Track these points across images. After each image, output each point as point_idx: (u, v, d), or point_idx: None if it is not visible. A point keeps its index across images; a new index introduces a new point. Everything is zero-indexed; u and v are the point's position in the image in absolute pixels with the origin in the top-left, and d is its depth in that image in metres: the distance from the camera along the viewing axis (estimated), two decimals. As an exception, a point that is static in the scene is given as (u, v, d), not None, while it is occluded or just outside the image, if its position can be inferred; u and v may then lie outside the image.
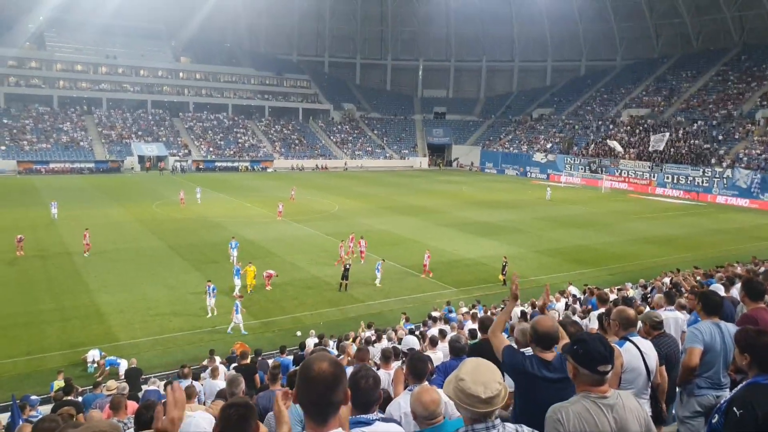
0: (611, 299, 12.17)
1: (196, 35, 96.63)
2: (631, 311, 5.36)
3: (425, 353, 8.28)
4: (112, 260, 28.52)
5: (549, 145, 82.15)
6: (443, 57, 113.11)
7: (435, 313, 18.66)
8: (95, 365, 16.75)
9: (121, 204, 45.28)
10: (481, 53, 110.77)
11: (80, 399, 11.22)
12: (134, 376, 13.90)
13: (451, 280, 26.97)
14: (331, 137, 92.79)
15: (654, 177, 65.81)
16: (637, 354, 4.83)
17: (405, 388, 5.00)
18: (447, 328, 14.56)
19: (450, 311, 19.86)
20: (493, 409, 2.70)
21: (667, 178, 64.57)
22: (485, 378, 2.71)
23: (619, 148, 70.28)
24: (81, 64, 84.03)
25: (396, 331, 16.34)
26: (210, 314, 21.46)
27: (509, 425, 2.82)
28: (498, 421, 2.77)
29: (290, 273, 27.07)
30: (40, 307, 21.67)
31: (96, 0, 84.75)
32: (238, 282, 23.67)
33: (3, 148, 67.56)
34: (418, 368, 4.87)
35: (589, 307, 15.12)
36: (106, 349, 17.82)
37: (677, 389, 5.41)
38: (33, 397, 11.62)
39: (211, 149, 79.94)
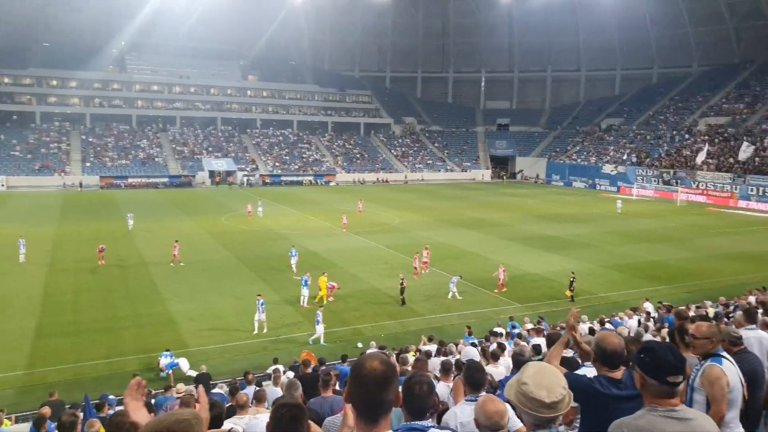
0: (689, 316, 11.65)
1: (262, 54, 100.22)
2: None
3: (486, 367, 8.20)
4: (183, 271, 29.78)
5: (622, 156, 79.46)
6: (506, 68, 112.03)
7: (498, 329, 18.39)
8: (165, 374, 17.46)
9: (192, 217, 47.24)
10: (545, 63, 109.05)
11: (152, 401, 11.81)
12: (203, 381, 14.47)
13: (515, 296, 26.53)
14: (392, 151, 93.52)
15: (736, 189, 62.19)
16: (735, 372, 4.45)
17: (462, 400, 4.95)
18: (509, 343, 14.38)
19: (514, 327, 19.50)
20: (556, 414, 2.62)
21: (752, 190, 60.73)
22: (548, 382, 2.64)
23: (702, 155, 66.53)
24: (157, 84, 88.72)
25: (457, 345, 16.26)
26: (257, 330, 21.27)
27: None
28: (562, 428, 2.68)
29: (351, 285, 27.42)
30: (118, 314, 22.90)
31: (171, 24, 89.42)
32: (305, 292, 24.22)
33: (88, 164, 71.97)
34: (474, 377, 4.81)
35: (665, 324, 14.51)
36: (178, 355, 18.62)
37: (764, 410, 5.08)
38: (110, 397, 12.36)
39: (277, 164, 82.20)
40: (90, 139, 77.66)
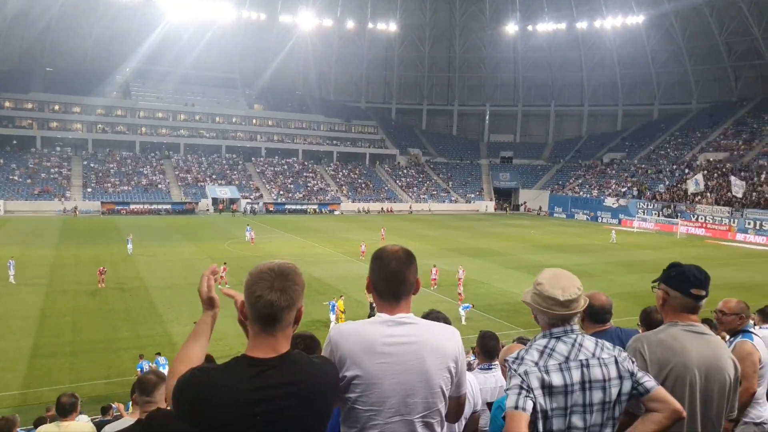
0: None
1: (268, 84, 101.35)
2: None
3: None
4: (184, 294, 29.37)
5: (622, 190, 79.71)
6: (510, 102, 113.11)
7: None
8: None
9: (194, 243, 47.02)
10: (549, 98, 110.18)
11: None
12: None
13: (519, 321, 26.11)
14: (397, 181, 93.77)
15: (734, 222, 62.46)
16: (765, 347, 4.49)
17: (477, 366, 4.93)
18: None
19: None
20: (571, 312, 2.61)
21: (749, 223, 61.09)
22: (564, 283, 2.64)
23: (700, 184, 66.43)
24: (161, 111, 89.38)
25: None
26: None
27: (589, 336, 2.68)
28: (577, 327, 2.65)
29: (355, 310, 26.99)
30: (118, 335, 22.51)
31: (177, 52, 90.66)
32: (333, 317, 23.98)
33: (89, 189, 72.02)
34: (488, 346, 4.82)
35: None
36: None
37: None
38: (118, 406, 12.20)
39: (281, 192, 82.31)
40: (92, 165, 77.87)
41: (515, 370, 2.56)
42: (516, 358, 2.61)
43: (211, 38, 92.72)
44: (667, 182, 76.62)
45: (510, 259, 43.18)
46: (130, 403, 6.97)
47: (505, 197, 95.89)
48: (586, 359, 2.56)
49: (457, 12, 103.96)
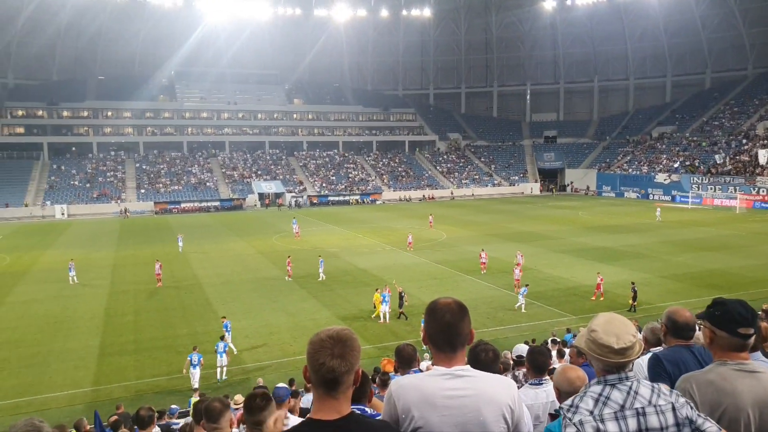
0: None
1: (306, 77, 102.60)
2: None
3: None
4: (236, 289, 30.43)
5: (674, 165, 77.17)
6: (551, 80, 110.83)
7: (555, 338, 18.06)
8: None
9: (244, 238, 48.29)
10: (592, 73, 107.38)
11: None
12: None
13: (569, 308, 25.97)
14: (438, 167, 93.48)
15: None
16: None
17: (526, 383, 4.97)
18: (566, 351, 14.06)
19: (574, 337, 19.07)
20: (626, 360, 2.62)
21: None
22: (618, 330, 2.65)
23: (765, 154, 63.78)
24: (206, 111, 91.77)
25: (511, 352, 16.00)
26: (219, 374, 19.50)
27: (645, 381, 2.68)
28: (632, 374, 2.67)
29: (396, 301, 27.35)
30: (177, 332, 23.54)
31: (217, 52, 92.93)
32: (385, 308, 24.50)
33: (143, 191, 74.66)
34: (538, 361, 4.86)
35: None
36: (233, 371, 19.04)
37: None
38: (173, 407, 12.75)
39: (324, 185, 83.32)
40: (144, 167, 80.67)
41: (570, 419, 2.57)
42: (570, 406, 2.63)
43: (249, 36, 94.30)
44: (722, 154, 73.75)
45: (559, 242, 42.66)
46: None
47: (550, 178, 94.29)
48: (642, 407, 2.53)
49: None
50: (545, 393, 4.49)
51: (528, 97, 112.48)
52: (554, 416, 3.84)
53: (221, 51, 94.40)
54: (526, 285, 27.04)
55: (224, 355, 19.32)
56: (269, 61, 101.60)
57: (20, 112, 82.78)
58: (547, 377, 4.67)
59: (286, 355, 20.92)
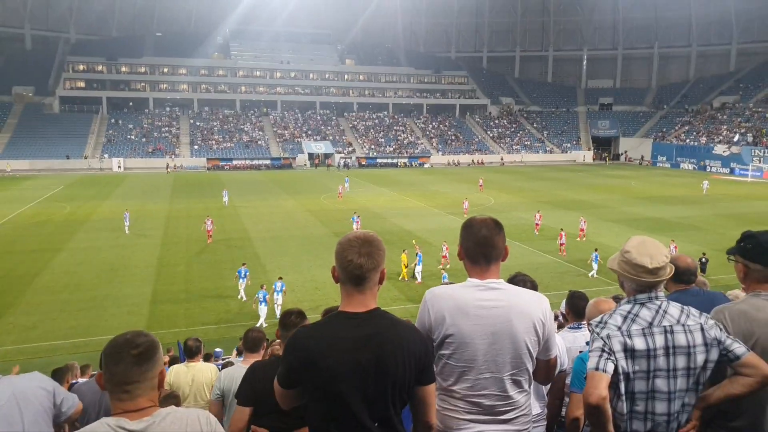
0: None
1: (358, 38, 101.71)
2: None
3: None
4: (285, 245, 31.05)
5: (735, 137, 73.73)
6: (610, 45, 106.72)
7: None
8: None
9: (293, 196, 49.04)
10: (652, 39, 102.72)
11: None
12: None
13: (616, 277, 25.47)
14: (488, 132, 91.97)
15: None
16: None
17: (565, 328, 4.94)
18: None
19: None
20: (659, 279, 2.67)
21: None
22: (652, 251, 2.69)
23: None
24: (259, 70, 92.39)
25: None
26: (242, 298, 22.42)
27: (675, 303, 2.72)
28: (662, 294, 2.73)
29: (439, 263, 27.43)
30: (226, 284, 24.25)
31: (271, 10, 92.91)
32: (420, 268, 24.88)
33: (196, 147, 76.42)
34: (578, 306, 4.86)
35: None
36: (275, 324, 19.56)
37: None
38: (218, 350, 13.50)
39: (372, 147, 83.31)
40: (197, 123, 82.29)
41: (598, 333, 2.66)
42: (599, 323, 2.71)
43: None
44: (788, 126, 70.04)
45: (609, 211, 41.71)
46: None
47: (604, 146, 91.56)
48: (670, 325, 2.60)
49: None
50: (584, 337, 4.50)
51: (584, 62, 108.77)
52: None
53: (276, 10, 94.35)
54: (596, 249, 26.65)
55: (281, 294, 20.84)
56: (322, 21, 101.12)
57: (81, 67, 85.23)
58: (585, 322, 4.63)
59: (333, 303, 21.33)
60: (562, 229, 31.37)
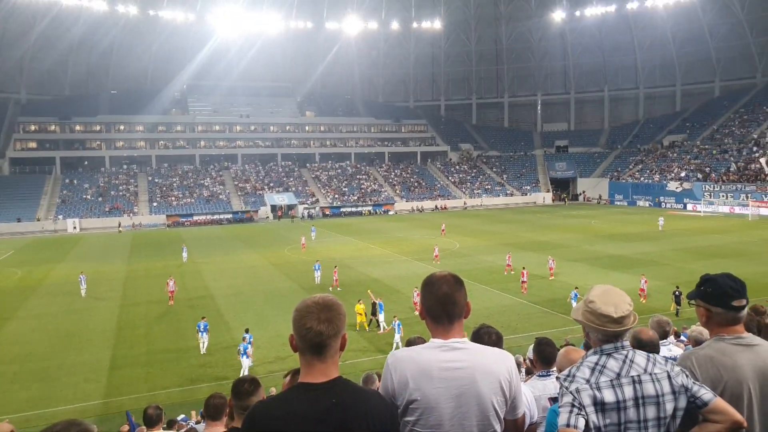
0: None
1: (317, 89, 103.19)
2: None
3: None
4: (249, 301, 30.30)
5: (683, 174, 76.67)
6: (562, 90, 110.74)
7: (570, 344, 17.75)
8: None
9: (256, 250, 48.26)
10: (602, 83, 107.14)
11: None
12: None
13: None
14: (449, 177, 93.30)
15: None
16: None
17: (533, 376, 4.74)
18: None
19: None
20: (624, 329, 2.64)
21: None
22: (616, 300, 2.67)
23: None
24: (218, 124, 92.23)
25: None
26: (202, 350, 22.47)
27: (641, 351, 2.68)
28: (627, 343, 2.67)
29: (413, 310, 27.12)
30: (189, 344, 23.37)
31: (228, 65, 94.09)
32: (382, 317, 24.64)
33: (155, 204, 75.03)
34: (545, 352, 4.67)
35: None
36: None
37: None
38: (181, 416, 12.76)
39: (336, 196, 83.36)
40: (156, 180, 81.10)
41: (566, 388, 2.58)
42: (568, 376, 2.64)
43: (260, 49, 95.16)
44: (733, 162, 73.12)
45: (572, 251, 42.29)
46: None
47: (562, 187, 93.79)
48: (638, 375, 2.56)
49: (502, 3, 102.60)
50: (554, 384, 4.31)
51: (539, 107, 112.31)
52: (556, 400, 3.75)
53: (233, 64, 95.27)
54: (576, 288, 26.69)
55: (249, 346, 20.71)
56: (281, 74, 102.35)
57: (33, 127, 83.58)
58: (554, 369, 4.50)
59: (298, 365, 20.69)
60: (524, 267, 31.63)
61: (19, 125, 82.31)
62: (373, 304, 25.26)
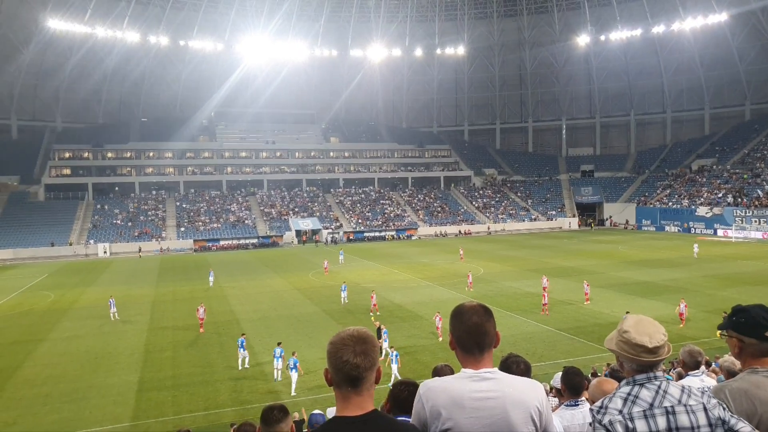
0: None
1: (341, 116, 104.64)
2: None
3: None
4: (273, 325, 30.50)
5: (715, 198, 75.29)
6: (587, 114, 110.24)
7: (596, 374, 17.51)
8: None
9: (281, 274, 48.64)
10: (628, 107, 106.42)
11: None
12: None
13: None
14: (473, 202, 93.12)
15: None
16: None
17: (561, 405, 4.78)
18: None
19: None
20: (658, 359, 2.62)
21: None
22: (650, 330, 2.66)
23: None
24: (245, 150, 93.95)
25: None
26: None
27: (675, 382, 2.66)
28: (661, 373, 2.65)
29: (436, 336, 27.01)
30: (214, 368, 23.60)
31: (255, 93, 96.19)
32: (386, 345, 24.18)
33: (182, 229, 76.28)
34: (573, 381, 4.71)
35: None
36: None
37: None
38: None
39: (360, 221, 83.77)
40: (184, 205, 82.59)
41: (599, 421, 2.57)
42: (600, 408, 2.62)
43: (286, 77, 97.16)
44: (766, 186, 71.67)
45: (598, 277, 41.68)
46: None
47: (588, 212, 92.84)
48: (672, 406, 2.52)
49: (525, 29, 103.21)
50: (581, 414, 4.37)
51: (564, 131, 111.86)
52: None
53: (259, 91, 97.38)
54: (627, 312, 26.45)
55: (280, 360, 22.10)
56: (306, 101, 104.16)
57: (67, 154, 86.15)
58: (583, 398, 4.53)
59: (323, 391, 20.72)
60: (545, 288, 31.36)
61: (54, 152, 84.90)
62: (378, 329, 25.07)
